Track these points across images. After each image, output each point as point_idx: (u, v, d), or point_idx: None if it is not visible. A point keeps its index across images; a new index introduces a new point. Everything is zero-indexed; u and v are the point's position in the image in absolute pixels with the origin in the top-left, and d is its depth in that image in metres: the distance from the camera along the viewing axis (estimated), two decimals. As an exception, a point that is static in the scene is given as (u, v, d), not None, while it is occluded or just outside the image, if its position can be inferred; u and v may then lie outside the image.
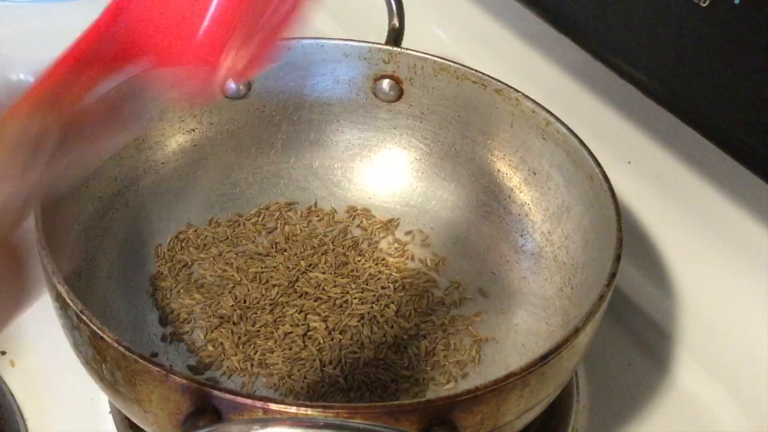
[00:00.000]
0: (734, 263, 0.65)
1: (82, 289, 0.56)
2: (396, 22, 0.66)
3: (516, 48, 0.79)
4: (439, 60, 0.64)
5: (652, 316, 0.66)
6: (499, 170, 0.64)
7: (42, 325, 0.59)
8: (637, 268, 0.67)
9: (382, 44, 0.65)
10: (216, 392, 0.42)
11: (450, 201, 0.66)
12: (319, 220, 0.66)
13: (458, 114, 0.65)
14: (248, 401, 0.42)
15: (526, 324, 0.60)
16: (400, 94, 0.66)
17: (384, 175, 0.68)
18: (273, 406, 0.42)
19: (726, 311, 0.64)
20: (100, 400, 0.57)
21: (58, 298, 0.48)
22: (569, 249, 0.59)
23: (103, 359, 0.46)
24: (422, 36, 0.71)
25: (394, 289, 0.62)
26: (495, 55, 0.79)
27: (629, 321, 0.65)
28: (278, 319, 0.60)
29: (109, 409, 0.57)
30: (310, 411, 0.42)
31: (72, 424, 0.57)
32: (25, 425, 0.56)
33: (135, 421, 0.50)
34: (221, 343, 0.58)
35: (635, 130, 0.70)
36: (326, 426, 0.40)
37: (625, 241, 0.52)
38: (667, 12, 0.59)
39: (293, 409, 0.42)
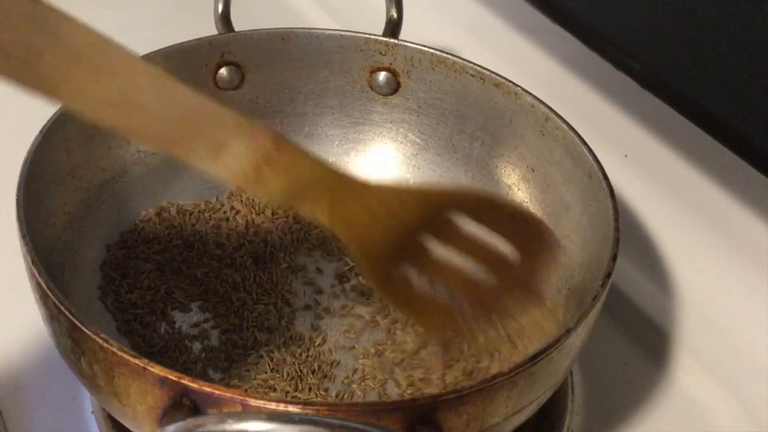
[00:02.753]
0: (733, 259, 0.64)
1: (66, 281, 0.55)
2: (394, 13, 0.65)
3: (511, 39, 0.78)
4: (437, 53, 0.63)
5: (649, 314, 0.65)
6: (497, 167, 0.63)
7: (22, 322, 0.58)
8: (633, 264, 0.66)
9: (378, 35, 0.64)
10: (194, 386, 0.41)
11: (446, 198, 0.65)
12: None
13: (456, 108, 0.64)
14: (227, 395, 0.41)
15: (521, 325, 0.58)
16: (396, 87, 0.64)
17: (379, 171, 0.66)
18: (252, 402, 0.41)
19: (725, 308, 0.63)
20: (83, 399, 0.56)
21: (38, 288, 0.47)
22: (567, 249, 0.58)
23: (81, 351, 0.45)
24: (421, 28, 0.70)
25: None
26: (490, 45, 0.78)
27: (625, 318, 0.64)
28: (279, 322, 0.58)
29: (92, 410, 0.56)
30: (290, 407, 0.41)
31: (53, 425, 0.55)
32: (5, 425, 0.55)
33: (115, 416, 0.49)
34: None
35: (632, 123, 0.69)
36: (302, 422, 0.39)
37: (621, 237, 0.51)
38: (662, 0, 0.58)
39: (272, 405, 0.41)
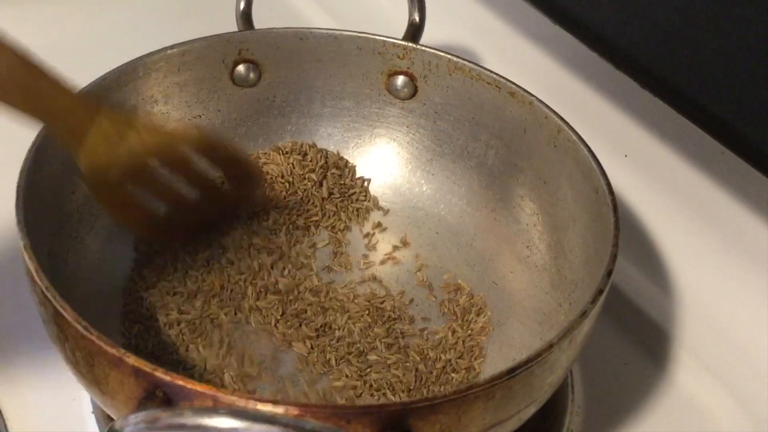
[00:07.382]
0: (733, 259, 0.63)
1: (70, 270, 0.56)
2: (416, 17, 0.64)
3: (511, 39, 0.76)
4: (454, 58, 0.62)
5: (649, 314, 0.64)
6: (510, 176, 0.62)
7: (23, 323, 0.59)
8: (633, 264, 0.65)
9: (397, 39, 0.63)
10: (166, 378, 0.41)
11: (459, 206, 0.64)
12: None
13: (472, 116, 0.63)
14: (198, 389, 0.41)
15: (521, 338, 0.57)
16: (414, 92, 0.64)
17: (393, 175, 0.66)
18: (222, 397, 0.41)
19: (725, 308, 0.62)
20: (83, 400, 0.56)
21: (28, 274, 0.47)
22: (572, 263, 0.57)
23: (65, 338, 0.45)
24: (443, 33, 0.69)
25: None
26: (488, 43, 0.77)
27: (626, 318, 0.63)
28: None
29: (92, 410, 0.56)
30: (259, 405, 0.41)
31: (54, 425, 0.56)
32: (5, 425, 0.55)
33: (101, 406, 0.49)
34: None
35: (632, 123, 0.68)
36: (264, 421, 0.38)
37: (622, 237, 0.50)
38: (663, 2, 0.57)
39: (242, 402, 0.41)
